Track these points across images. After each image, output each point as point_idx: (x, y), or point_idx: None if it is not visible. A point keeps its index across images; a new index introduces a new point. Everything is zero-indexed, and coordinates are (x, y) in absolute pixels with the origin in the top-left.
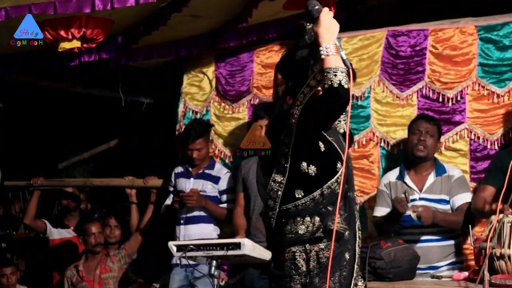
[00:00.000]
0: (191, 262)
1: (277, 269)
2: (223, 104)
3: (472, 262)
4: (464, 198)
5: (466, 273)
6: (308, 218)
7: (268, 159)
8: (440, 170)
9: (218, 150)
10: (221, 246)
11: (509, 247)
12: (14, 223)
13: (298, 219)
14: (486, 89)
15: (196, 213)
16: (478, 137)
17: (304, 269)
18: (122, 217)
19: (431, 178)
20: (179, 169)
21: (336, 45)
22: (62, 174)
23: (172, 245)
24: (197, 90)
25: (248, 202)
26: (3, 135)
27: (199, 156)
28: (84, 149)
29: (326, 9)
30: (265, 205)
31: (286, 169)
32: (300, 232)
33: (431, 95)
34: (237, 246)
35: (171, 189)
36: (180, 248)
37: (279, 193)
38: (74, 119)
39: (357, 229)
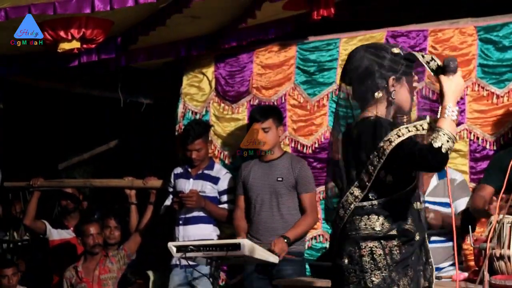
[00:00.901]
0: (190, 263)
1: (353, 265)
2: (222, 104)
3: (472, 263)
4: (466, 203)
5: (466, 274)
6: (382, 218)
7: (350, 167)
8: (441, 173)
9: (218, 151)
10: (221, 247)
11: (508, 248)
12: (15, 224)
13: (373, 216)
14: (486, 90)
15: (195, 214)
16: (478, 138)
17: (384, 263)
18: (121, 218)
19: (434, 181)
20: (178, 170)
21: (459, 112)
22: (62, 175)
23: (171, 245)
24: (197, 90)
25: (248, 204)
26: (3, 136)
27: (198, 157)
28: (84, 149)
29: (460, 72)
30: (336, 212)
31: (366, 187)
32: (377, 228)
33: (431, 95)
34: (237, 246)
35: (171, 189)
36: (180, 249)
37: (352, 206)
38: (74, 120)
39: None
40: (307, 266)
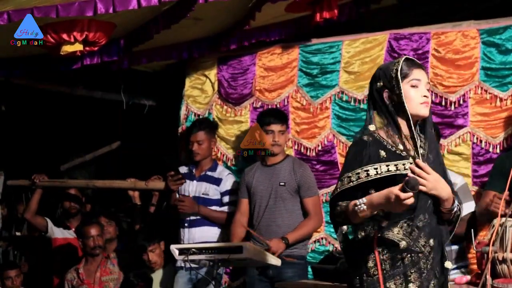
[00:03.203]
0: (193, 265)
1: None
2: (225, 107)
3: (475, 266)
4: (467, 208)
5: (468, 277)
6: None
7: None
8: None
9: (221, 153)
10: (223, 250)
11: (511, 251)
12: (18, 224)
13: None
14: (489, 93)
15: (200, 216)
16: (481, 141)
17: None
18: (124, 218)
19: None
20: (183, 169)
21: (369, 212)
22: (64, 176)
23: (174, 248)
24: (199, 93)
25: (252, 208)
26: (5, 138)
27: (198, 150)
28: (86, 151)
29: (411, 200)
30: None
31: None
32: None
33: (433, 98)
34: (239, 249)
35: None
36: (182, 251)
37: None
38: (76, 122)
39: (433, 243)
40: (309, 269)
